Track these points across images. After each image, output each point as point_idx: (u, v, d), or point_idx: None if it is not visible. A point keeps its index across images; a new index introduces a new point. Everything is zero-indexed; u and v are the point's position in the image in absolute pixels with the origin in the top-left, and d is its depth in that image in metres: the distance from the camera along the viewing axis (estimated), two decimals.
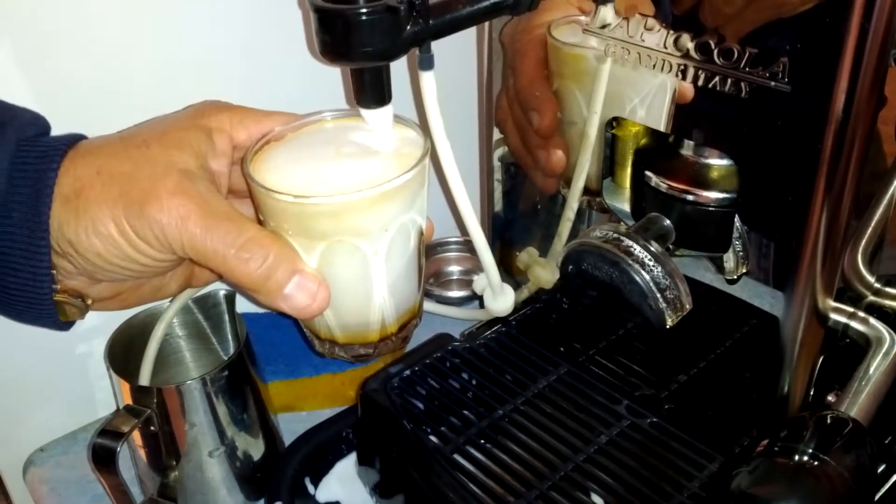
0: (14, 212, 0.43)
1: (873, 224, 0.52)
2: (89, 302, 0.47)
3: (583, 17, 0.53)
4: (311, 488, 0.65)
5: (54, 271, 0.45)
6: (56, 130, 0.48)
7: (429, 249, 0.90)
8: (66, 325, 0.47)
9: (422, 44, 0.46)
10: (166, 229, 0.42)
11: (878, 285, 0.52)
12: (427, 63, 0.47)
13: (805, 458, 0.39)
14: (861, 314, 0.49)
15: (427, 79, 0.48)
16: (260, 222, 0.46)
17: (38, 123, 0.46)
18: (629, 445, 0.56)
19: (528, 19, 0.57)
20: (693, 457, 0.54)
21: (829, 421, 0.41)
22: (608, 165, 0.59)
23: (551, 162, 0.60)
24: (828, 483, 0.38)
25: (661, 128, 0.50)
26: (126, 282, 0.48)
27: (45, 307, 0.45)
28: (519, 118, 0.61)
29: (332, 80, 0.72)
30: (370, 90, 0.46)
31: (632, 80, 0.51)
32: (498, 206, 0.67)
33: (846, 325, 0.49)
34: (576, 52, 0.55)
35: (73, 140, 0.46)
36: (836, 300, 0.49)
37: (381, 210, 0.43)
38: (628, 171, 0.57)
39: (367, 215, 0.43)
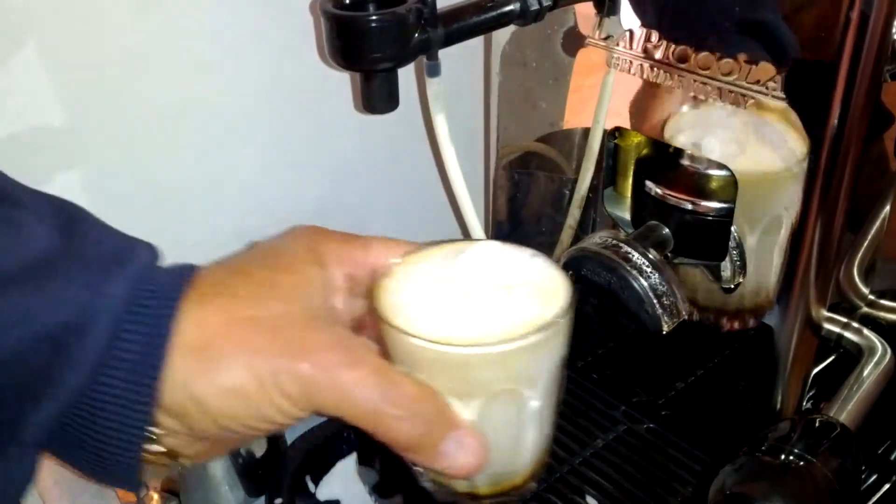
0: (120, 360, 0.36)
1: (869, 238, 0.53)
2: (181, 461, 0.40)
3: None
4: (311, 486, 0.66)
5: (154, 428, 0.38)
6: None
7: None
8: (139, 486, 0.40)
9: (429, 51, 0.47)
10: (319, 385, 0.37)
11: (872, 297, 0.53)
12: (434, 70, 0.48)
13: (791, 458, 0.39)
14: (855, 325, 0.50)
15: (433, 86, 0.49)
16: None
17: (153, 259, 0.40)
18: (625, 450, 0.57)
19: None
20: (688, 462, 0.55)
21: (817, 424, 0.42)
22: (610, 175, 0.60)
23: None
24: (812, 483, 0.39)
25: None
26: (232, 437, 0.41)
27: (125, 470, 0.38)
28: None
29: (341, 84, 0.73)
30: (378, 95, 0.47)
31: None
32: (501, 212, 0.68)
33: (840, 335, 0.50)
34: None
35: (188, 275, 0.39)
36: (830, 311, 0.50)
37: (549, 349, 0.40)
38: (629, 180, 0.58)
39: (536, 358, 0.39)
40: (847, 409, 0.45)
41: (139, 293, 0.37)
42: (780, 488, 0.39)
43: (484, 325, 0.39)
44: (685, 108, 0.50)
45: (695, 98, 0.49)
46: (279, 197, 0.74)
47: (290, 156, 0.73)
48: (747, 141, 0.48)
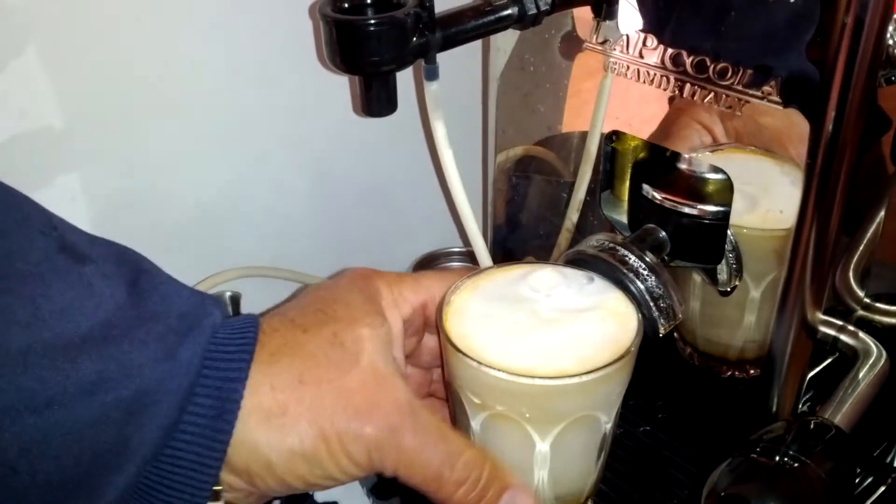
0: (191, 424, 0.36)
1: (865, 242, 0.53)
2: None
3: None
4: None
5: (218, 486, 0.38)
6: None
7: (432, 259, 0.91)
8: None
9: (427, 55, 0.47)
10: (383, 449, 0.38)
11: (867, 300, 0.53)
12: (432, 74, 0.48)
13: (785, 459, 0.40)
14: (850, 328, 0.50)
15: (432, 89, 0.49)
16: (447, 389, 0.43)
17: (222, 317, 0.39)
18: (622, 453, 0.57)
19: None
20: (684, 465, 0.55)
21: (811, 426, 0.42)
22: (607, 178, 0.60)
23: None
24: (806, 484, 0.39)
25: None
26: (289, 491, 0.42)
27: None
28: None
29: (340, 87, 0.73)
30: (377, 98, 0.48)
31: None
32: (499, 215, 0.69)
33: (835, 338, 0.50)
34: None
35: (253, 331, 0.39)
36: (826, 314, 0.50)
37: (626, 373, 0.41)
38: (626, 183, 0.58)
39: (614, 384, 0.40)
40: (842, 412, 0.45)
41: (210, 355, 0.37)
42: (773, 489, 0.39)
43: (563, 353, 0.39)
44: (701, 154, 0.51)
45: (713, 141, 0.49)
46: (277, 199, 0.75)
47: (288, 159, 0.74)
48: (759, 195, 0.48)
